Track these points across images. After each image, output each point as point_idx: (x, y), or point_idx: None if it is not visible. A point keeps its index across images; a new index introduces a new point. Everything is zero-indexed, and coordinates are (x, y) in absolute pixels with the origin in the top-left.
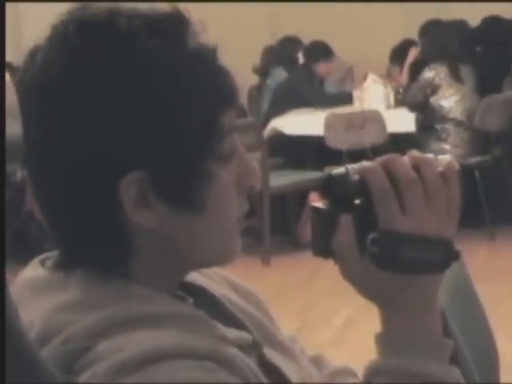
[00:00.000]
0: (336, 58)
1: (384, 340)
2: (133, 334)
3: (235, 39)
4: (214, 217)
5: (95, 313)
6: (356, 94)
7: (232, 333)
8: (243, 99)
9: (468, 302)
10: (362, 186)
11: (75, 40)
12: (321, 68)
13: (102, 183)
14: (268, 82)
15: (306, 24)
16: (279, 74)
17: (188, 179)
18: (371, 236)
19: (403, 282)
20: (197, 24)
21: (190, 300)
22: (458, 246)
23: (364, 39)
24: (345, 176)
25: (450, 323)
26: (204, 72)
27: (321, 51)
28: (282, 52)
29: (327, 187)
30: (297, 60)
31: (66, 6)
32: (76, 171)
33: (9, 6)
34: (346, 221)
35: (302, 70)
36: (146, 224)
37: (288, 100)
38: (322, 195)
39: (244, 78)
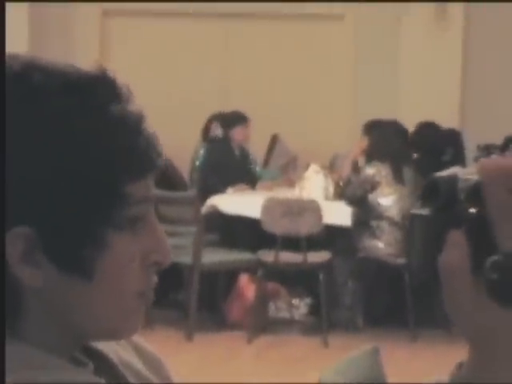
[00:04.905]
0: (281, 144)
1: None
2: None
3: (187, 114)
4: (105, 287)
5: None
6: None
7: None
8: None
9: None
10: (477, 193)
11: None
12: (238, 133)
13: None
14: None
15: (255, 109)
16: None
17: (77, 243)
18: (491, 259)
19: None
20: (123, 89)
21: (90, 364)
22: (380, 345)
23: (310, 130)
24: (455, 179)
25: None
26: (115, 140)
27: (236, 117)
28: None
29: (431, 194)
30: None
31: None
32: None
33: None
34: (456, 236)
35: (219, 142)
36: (31, 282)
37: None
38: (426, 205)
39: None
